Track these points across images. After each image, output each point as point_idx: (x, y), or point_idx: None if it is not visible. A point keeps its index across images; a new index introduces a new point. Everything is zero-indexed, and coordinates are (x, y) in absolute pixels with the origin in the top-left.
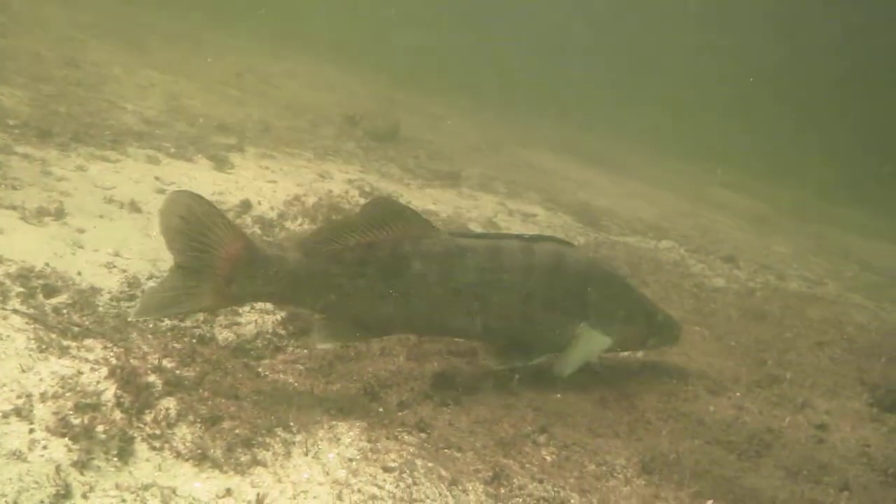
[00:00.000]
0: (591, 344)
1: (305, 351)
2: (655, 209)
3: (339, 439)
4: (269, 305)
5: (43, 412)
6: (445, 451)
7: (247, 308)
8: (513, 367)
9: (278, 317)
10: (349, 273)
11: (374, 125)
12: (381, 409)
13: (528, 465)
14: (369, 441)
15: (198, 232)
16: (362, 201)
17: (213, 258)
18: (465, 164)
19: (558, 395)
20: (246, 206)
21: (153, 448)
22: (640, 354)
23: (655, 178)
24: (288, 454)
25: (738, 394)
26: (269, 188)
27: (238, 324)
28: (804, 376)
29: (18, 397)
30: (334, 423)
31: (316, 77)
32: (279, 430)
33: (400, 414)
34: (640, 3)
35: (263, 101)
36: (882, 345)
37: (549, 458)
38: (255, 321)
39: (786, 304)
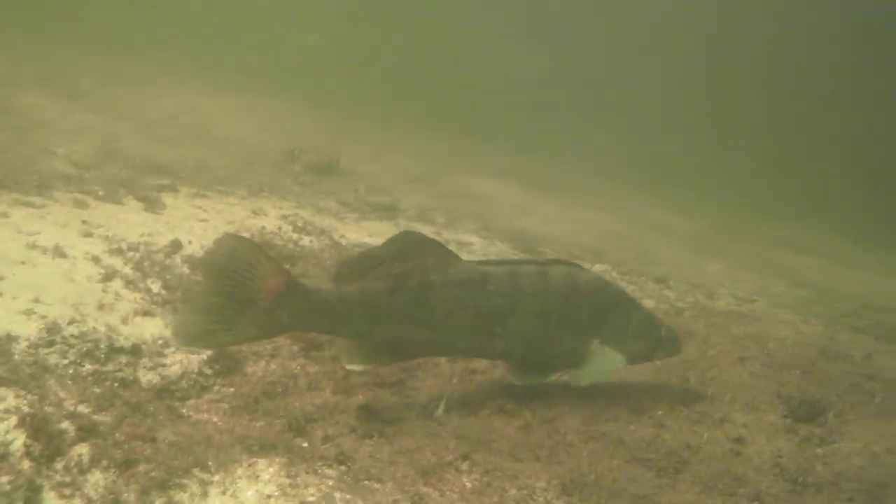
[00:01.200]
0: (605, 360)
1: (232, 389)
2: (596, 233)
3: (258, 476)
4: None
5: None
6: (365, 482)
7: (172, 349)
8: (531, 384)
9: (204, 356)
10: (381, 302)
11: (313, 159)
12: (305, 444)
13: (447, 493)
14: (288, 476)
15: (241, 267)
16: (295, 237)
17: (255, 291)
18: (405, 195)
19: (482, 422)
20: (175, 246)
21: (62, 496)
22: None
23: (602, 202)
24: (205, 494)
25: (659, 412)
26: (199, 227)
27: (163, 365)
28: (724, 392)
29: None
30: (254, 460)
31: (256, 113)
32: (197, 471)
33: (322, 448)
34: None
35: (201, 139)
36: (799, 357)
37: (469, 485)
38: (181, 361)
39: (712, 322)
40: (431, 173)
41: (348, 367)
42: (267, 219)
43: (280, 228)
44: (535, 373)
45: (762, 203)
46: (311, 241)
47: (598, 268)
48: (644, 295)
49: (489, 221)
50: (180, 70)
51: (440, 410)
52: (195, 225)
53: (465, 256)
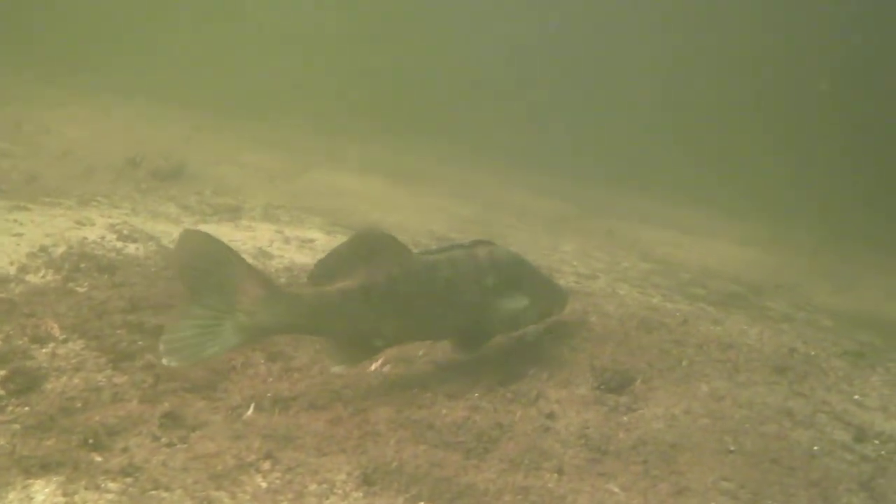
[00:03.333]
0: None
1: (27, 408)
2: (450, 220)
3: (31, 498)
4: None
5: None
6: (151, 492)
7: None
8: (477, 353)
9: None
10: (357, 301)
11: (158, 165)
12: (99, 459)
13: (239, 495)
14: (65, 495)
15: (216, 273)
16: (119, 245)
17: (235, 297)
18: (253, 195)
19: (291, 419)
20: None
21: None
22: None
23: (465, 191)
24: None
25: (476, 395)
26: (11, 242)
27: None
28: (543, 370)
29: None
30: (30, 481)
31: (102, 120)
32: None
33: (114, 461)
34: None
35: (37, 150)
36: (616, 330)
37: (265, 485)
38: None
39: None
40: (291, 171)
41: (333, 370)
42: (92, 229)
43: (103, 238)
44: (476, 344)
45: (628, 179)
46: (136, 248)
47: None
48: None
49: (341, 217)
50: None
51: (250, 411)
52: (7, 240)
53: (305, 253)
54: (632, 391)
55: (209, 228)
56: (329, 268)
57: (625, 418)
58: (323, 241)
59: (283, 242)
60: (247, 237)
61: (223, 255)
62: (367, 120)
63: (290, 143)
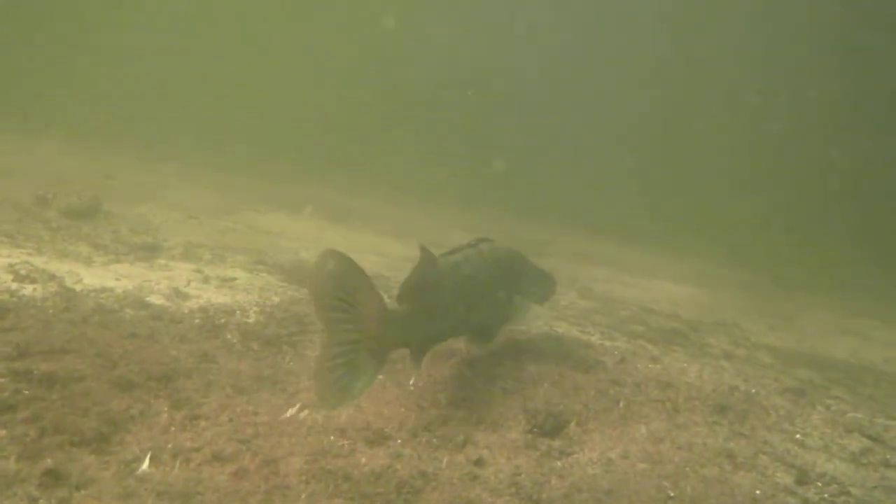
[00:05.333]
0: (528, 312)
1: None
2: (384, 259)
3: None
4: None
5: None
6: None
7: None
8: (488, 346)
9: None
10: (427, 311)
11: (70, 203)
12: None
13: None
14: None
15: (349, 299)
16: (14, 286)
17: (363, 324)
18: (175, 234)
19: (191, 473)
20: None
21: None
22: None
23: (402, 227)
24: None
25: (399, 441)
26: None
27: None
28: (473, 412)
29: None
30: None
31: (20, 155)
32: None
33: None
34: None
35: None
36: (552, 370)
37: None
38: None
39: None
40: (220, 210)
41: (416, 374)
42: None
43: None
44: (487, 336)
45: (571, 216)
46: (34, 289)
47: None
48: None
49: (266, 255)
50: None
51: (144, 465)
52: None
53: (224, 293)
54: (566, 434)
55: (120, 268)
56: (410, 293)
57: (558, 463)
58: (244, 280)
59: (201, 282)
60: (161, 277)
61: (357, 280)
62: (304, 157)
63: (222, 182)
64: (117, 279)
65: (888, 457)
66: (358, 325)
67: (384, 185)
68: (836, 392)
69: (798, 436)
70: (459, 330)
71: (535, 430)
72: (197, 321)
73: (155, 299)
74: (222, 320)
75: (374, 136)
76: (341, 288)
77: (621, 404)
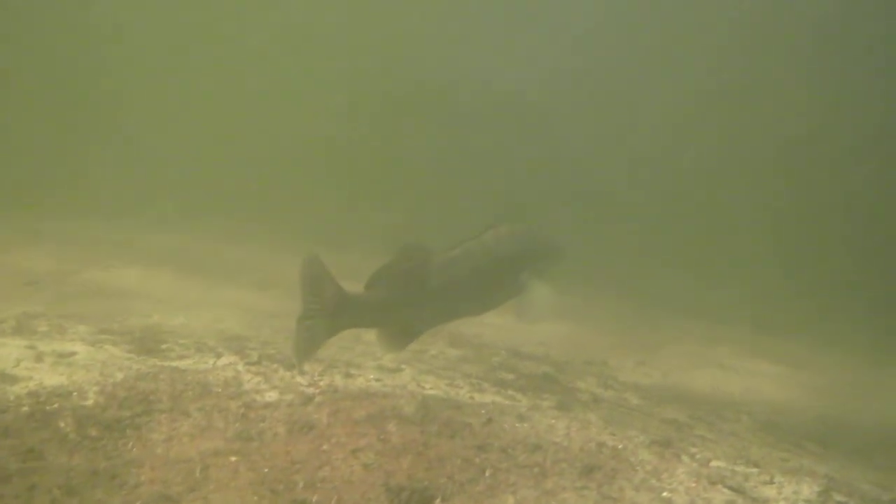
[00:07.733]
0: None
1: None
2: (246, 315)
3: None
4: None
5: None
6: None
7: None
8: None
9: None
10: (402, 295)
11: None
12: None
13: None
14: None
15: (315, 285)
16: None
17: (323, 303)
18: (6, 304)
19: None
20: None
21: None
22: None
23: (268, 279)
24: None
25: None
26: None
27: None
28: (329, 495)
29: None
30: None
31: None
32: None
33: None
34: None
35: None
36: (416, 438)
37: None
38: None
39: (337, 408)
40: (63, 271)
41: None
42: None
43: None
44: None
45: None
46: None
47: (221, 362)
48: (270, 387)
49: (114, 322)
50: None
51: None
52: None
53: (62, 371)
54: None
55: None
56: (379, 277)
57: None
58: (84, 355)
59: (34, 360)
60: None
61: (319, 271)
62: (161, 203)
63: (65, 236)
64: None
65: None
66: (320, 305)
67: (266, 228)
68: (700, 431)
69: (665, 493)
70: (440, 318)
71: None
72: (25, 409)
73: None
74: (55, 405)
75: (293, 179)
76: (313, 278)
77: (487, 474)
